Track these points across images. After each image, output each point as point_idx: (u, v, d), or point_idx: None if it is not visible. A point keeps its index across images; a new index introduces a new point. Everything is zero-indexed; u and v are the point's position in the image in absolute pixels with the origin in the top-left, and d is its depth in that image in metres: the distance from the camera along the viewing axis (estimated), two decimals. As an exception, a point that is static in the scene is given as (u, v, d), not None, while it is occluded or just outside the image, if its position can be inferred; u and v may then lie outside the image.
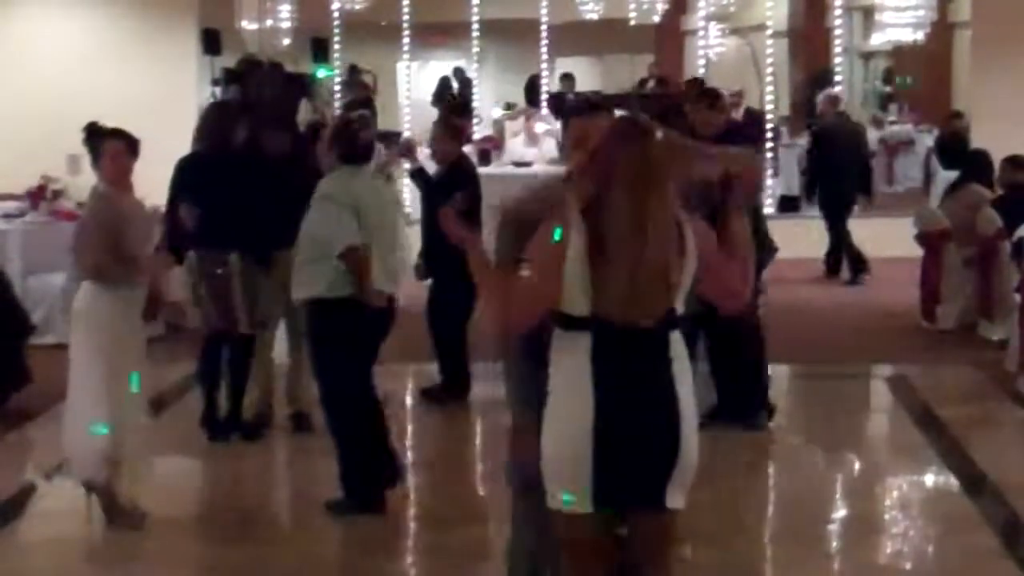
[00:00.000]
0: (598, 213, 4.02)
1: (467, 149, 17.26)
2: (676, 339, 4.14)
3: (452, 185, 9.68)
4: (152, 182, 12.83)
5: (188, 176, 8.76)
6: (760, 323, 8.84)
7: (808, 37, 22.09)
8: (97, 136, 7.01)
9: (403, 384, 10.24)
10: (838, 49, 19.12)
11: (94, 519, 7.03)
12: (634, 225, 3.99)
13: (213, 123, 8.87)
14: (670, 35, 22.75)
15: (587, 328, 4.03)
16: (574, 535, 4.14)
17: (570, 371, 4.06)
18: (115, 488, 6.99)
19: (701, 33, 19.44)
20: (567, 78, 20.48)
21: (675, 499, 4.14)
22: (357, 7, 18.64)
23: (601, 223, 4.01)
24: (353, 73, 20.44)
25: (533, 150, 15.92)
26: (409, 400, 10.09)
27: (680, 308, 4.13)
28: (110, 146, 6.97)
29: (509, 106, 20.05)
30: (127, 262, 6.93)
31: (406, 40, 18.89)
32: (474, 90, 20.17)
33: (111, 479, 6.98)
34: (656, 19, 20.18)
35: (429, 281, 9.86)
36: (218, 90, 20.54)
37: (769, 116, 17.90)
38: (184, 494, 7.98)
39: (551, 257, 4.03)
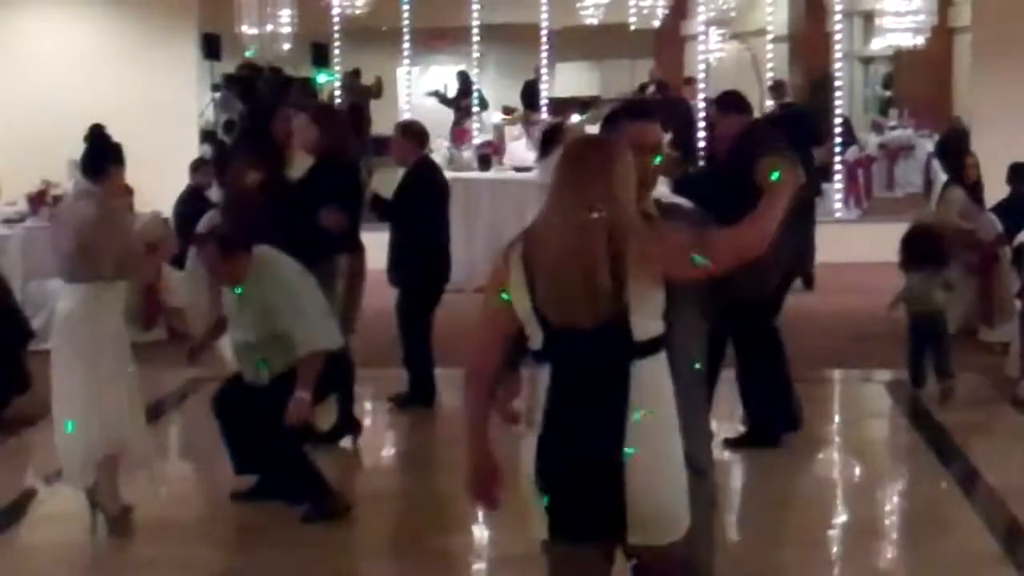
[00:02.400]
0: None
1: (466, 154, 17.32)
2: (643, 377, 3.91)
3: (415, 188, 9.65)
4: (152, 186, 13.01)
5: (340, 180, 8.65)
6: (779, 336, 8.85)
7: (808, 42, 22.10)
8: (112, 145, 7.07)
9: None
10: (838, 54, 19.13)
11: (99, 525, 7.00)
12: (547, 217, 3.95)
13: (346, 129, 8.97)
14: (670, 40, 22.75)
15: (545, 359, 3.98)
16: (549, 561, 4.07)
17: (539, 400, 4.00)
18: (106, 492, 6.96)
19: (701, 38, 19.45)
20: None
21: (645, 537, 3.94)
22: (357, 12, 18.64)
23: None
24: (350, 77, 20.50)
25: (534, 154, 15.86)
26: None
27: (645, 334, 3.90)
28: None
29: (507, 110, 20.03)
30: (131, 261, 6.97)
31: (406, 45, 18.90)
32: (475, 95, 20.16)
33: (101, 483, 6.95)
34: (656, 24, 20.16)
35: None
36: (218, 95, 20.59)
37: (769, 120, 17.86)
38: (185, 499, 7.99)
39: (497, 311, 4.02)
